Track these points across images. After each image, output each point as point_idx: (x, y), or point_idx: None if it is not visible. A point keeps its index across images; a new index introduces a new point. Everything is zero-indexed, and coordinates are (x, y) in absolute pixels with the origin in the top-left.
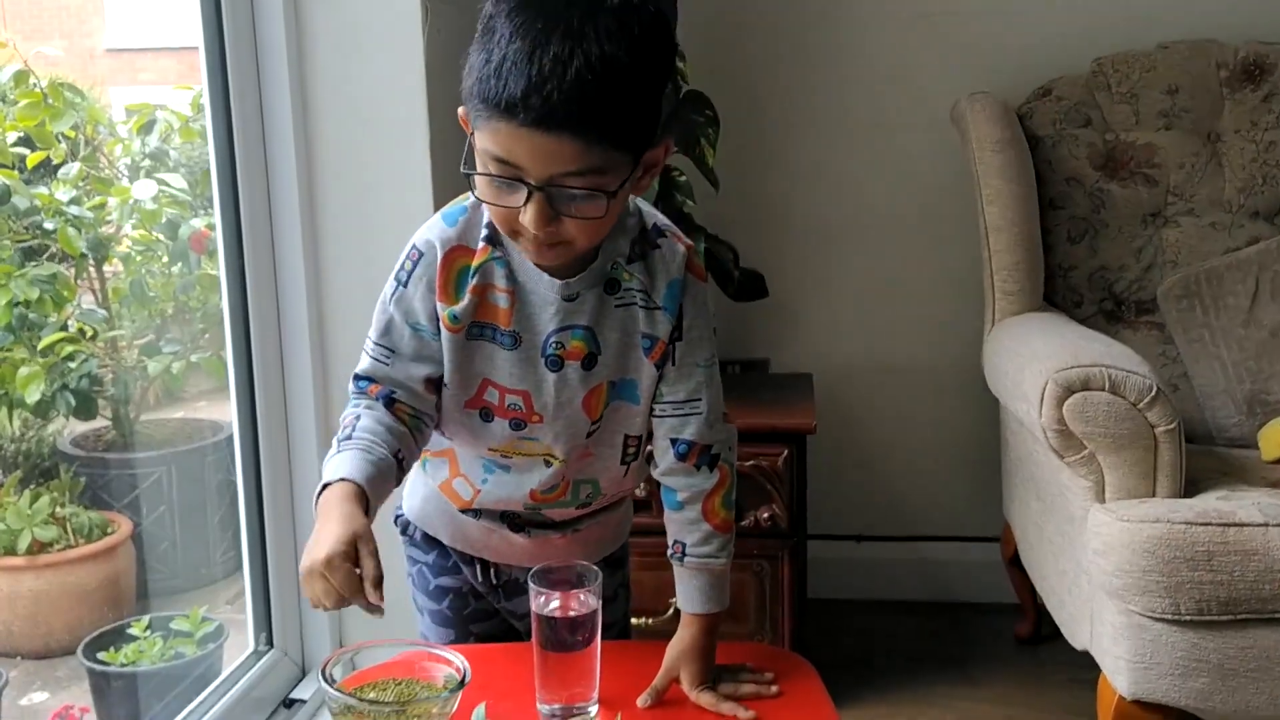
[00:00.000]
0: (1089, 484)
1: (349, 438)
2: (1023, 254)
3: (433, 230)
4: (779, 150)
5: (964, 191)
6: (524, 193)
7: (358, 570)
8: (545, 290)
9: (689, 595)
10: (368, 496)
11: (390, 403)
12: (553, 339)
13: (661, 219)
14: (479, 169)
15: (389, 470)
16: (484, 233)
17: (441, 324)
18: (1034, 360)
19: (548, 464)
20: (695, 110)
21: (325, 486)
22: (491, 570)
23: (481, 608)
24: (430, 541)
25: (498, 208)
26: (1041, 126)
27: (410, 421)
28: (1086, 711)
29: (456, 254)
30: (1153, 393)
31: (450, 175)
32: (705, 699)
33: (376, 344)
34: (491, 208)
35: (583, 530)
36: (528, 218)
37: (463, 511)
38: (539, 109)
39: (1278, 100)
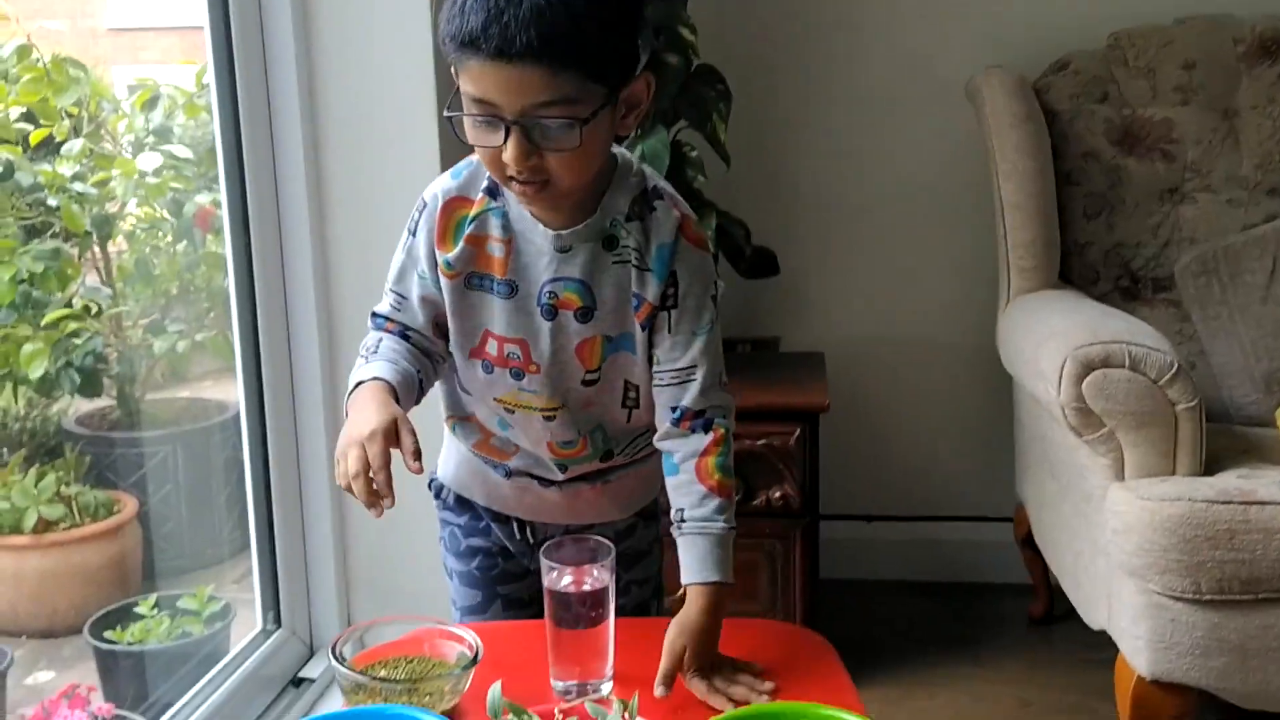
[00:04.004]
0: (1108, 462)
1: (375, 352)
2: (1039, 230)
3: (438, 184)
4: (791, 126)
5: (977, 167)
6: (502, 130)
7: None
8: (540, 240)
9: (690, 564)
10: (399, 397)
11: (405, 337)
12: (547, 289)
13: (665, 185)
14: (466, 113)
15: (413, 384)
16: (485, 184)
17: (439, 271)
18: (1052, 337)
19: (548, 418)
20: (706, 84)
21: (358, 386)
22: (528, 529)
23: (510, 569)
24: (463, 504)
25: (484, 150)
26: (1058, 101)
27: (424, 354)
28: (1099, 691)
29: (455, 204)
30: (1173, 370)
31: (458, 150)
32: (696, 686)
33: (391, 289)
34: (481, 152)
35: (613, 482)
36: (508, 154)
37: (497, 467)
38: (498, 38)
39: None
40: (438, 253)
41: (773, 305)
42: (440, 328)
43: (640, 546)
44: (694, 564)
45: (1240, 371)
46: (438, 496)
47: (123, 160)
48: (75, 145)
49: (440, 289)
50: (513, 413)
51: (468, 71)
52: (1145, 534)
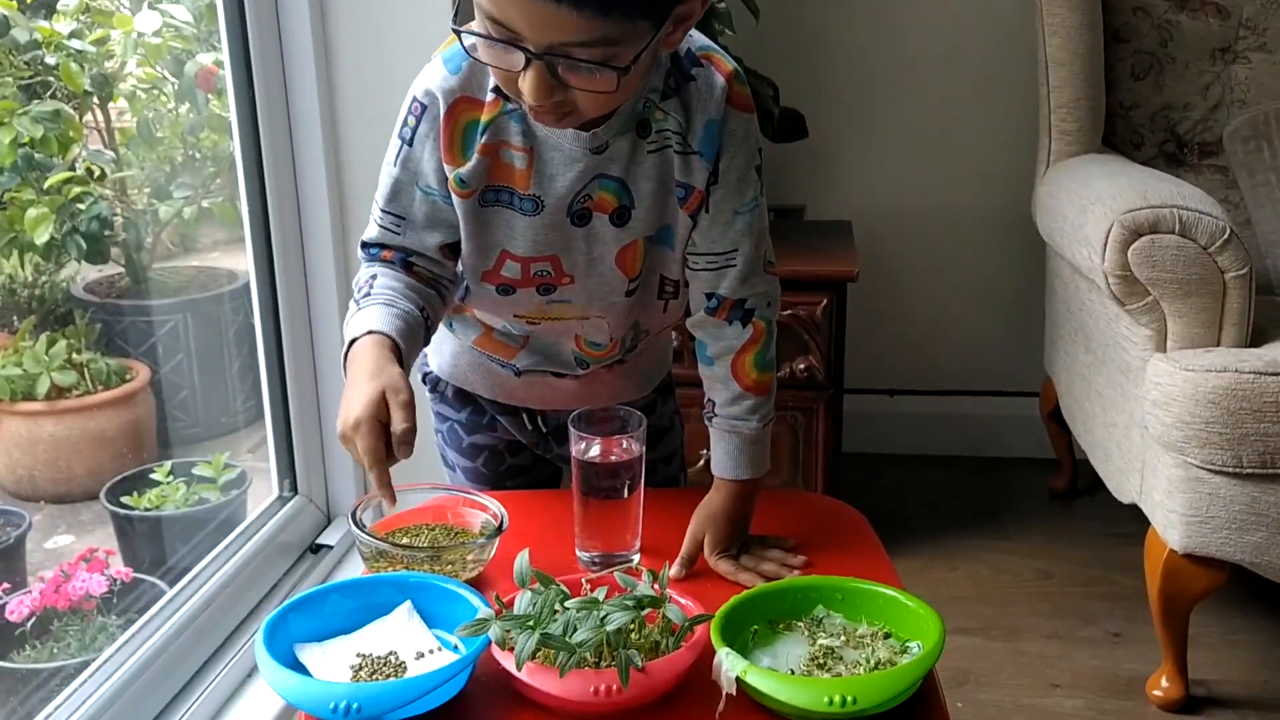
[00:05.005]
0: (1150, 333)
1: (368, 295)
2: (1083, 89)
3: (433, 78)
4: None
5: (1016, 27)
6: (521, 57)
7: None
8: (570, 144)
9: (718, 458)
10: (399, 347)
11: (408, 266)
12: (580, 195)
13: (700, 40)
14: (476, 25)
15: (416, 324)
16: (493, 81)
17: (450, 188)
18: (1098, 201)
19: (581, 320)
20: None
21: (351, 345)
22: (539, 418)
23: (518, 464)
24: (463, 398)
25: (499, 70)
26: None
27: (431, 283)
28: (1121, 565)
29: (461, 107)
30: (1225, 235)
31: None
32: (723, 566)
33: (385, 211)
34: (495, 71)
35: (629, 362)
36: (526, 86)
37: (504, 365)
38: None
39: None
40: (447, 167)
41: (799, 171)
42: (451, 248)
43: (662, 423)
44: (723, 458)
45: None
46: (434, 390)
47: (121, 17)
48: (72, 1)
49: (452, 205)
50: (537, 324)
51: None
52: (1187, 406)
